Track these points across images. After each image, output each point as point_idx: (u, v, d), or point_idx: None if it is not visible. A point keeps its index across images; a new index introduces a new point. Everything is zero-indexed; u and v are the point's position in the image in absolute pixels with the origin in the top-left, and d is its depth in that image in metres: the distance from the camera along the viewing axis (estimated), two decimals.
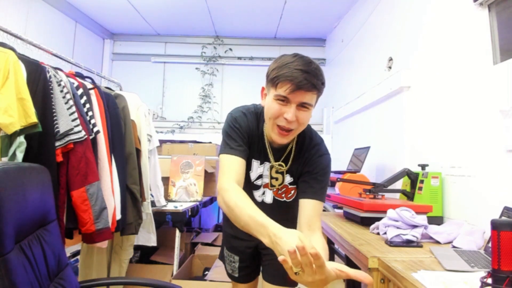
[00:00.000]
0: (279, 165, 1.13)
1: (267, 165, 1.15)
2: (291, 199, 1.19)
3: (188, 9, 3.80)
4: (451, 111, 1.79)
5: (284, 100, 0.95)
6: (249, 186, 1.18)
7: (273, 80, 0.96)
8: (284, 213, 1.15)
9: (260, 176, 1.17)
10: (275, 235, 0.74)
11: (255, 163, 1.15)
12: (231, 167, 1.01)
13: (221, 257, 1.43)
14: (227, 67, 4.65)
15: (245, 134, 1.09)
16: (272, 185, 1.16)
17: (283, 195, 1.18)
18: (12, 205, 0.86)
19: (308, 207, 1.04)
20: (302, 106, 0.96)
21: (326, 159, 1.11)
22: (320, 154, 1.10)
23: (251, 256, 1.34)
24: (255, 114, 1.13)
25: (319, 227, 1.03)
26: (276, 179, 1.15)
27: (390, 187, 1.90)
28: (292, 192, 1.18)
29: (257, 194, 1.21)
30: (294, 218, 1.08)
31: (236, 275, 1.35)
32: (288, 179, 1.16)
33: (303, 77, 0.91)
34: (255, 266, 1.37)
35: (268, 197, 1.20)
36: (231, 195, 0.91)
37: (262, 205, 1.22)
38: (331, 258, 3.03)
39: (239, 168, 1.02)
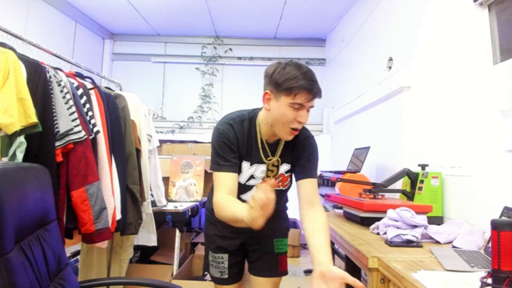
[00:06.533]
0: (272, 160, 1.24)
1: (261, 166, 1.23)
2: (286, 187, 1.31)
3: (188, 9, 3.80)
4: (451, 111, 1.79)
5: (299, 107, 1.08)
6: (239, 189, 1.22)
7: (289, 89, 1.06)
8: (277, 204, 1.18)
9: (252, 177, 1.24)
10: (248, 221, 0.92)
11: (245, 165, 1.23)
12: (222, 183, 1.14)
13: (206, 267, 1.43)
14: (227, 67, 4.65)
15: (233, 146, 1.18)
16: (267, 176, 1.26)
17: (280, 184, 1.29)
18: (12, 205, 0.86)
19: (307, 186, 1.19)
20: (308, 109, 1.12)
21: (313, 141, 1.28)
22: (309, 139, 1.25)
23: (239, 251, 1.38)
24: (243, 122, 1.21)
25: (319, 202, 1.18)
26: (272, 171, 1.26)
27: (390, 187, 1.90)
28: (288, 180, 1.30)
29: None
30: (284, 204, 1.40)
31: (226, 276, 1.36)
32: (284, 167, 1.27)
33: (314, 87, 1.07)
34: (242, 264, 1.41)
35: None
36: (219, 208, 1.09)
37: None
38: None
39: (230, 182, 1.15)
